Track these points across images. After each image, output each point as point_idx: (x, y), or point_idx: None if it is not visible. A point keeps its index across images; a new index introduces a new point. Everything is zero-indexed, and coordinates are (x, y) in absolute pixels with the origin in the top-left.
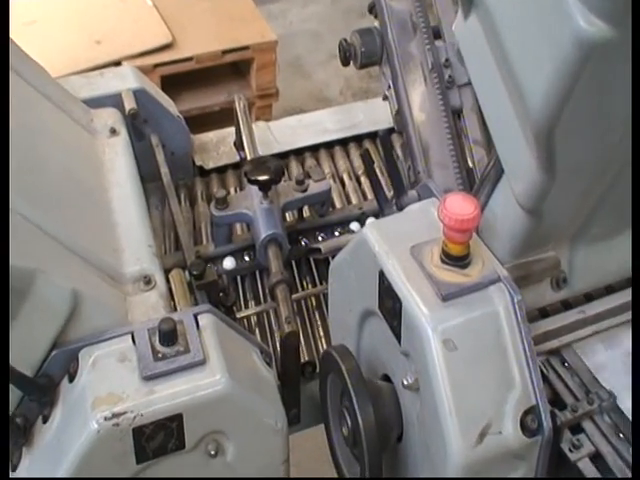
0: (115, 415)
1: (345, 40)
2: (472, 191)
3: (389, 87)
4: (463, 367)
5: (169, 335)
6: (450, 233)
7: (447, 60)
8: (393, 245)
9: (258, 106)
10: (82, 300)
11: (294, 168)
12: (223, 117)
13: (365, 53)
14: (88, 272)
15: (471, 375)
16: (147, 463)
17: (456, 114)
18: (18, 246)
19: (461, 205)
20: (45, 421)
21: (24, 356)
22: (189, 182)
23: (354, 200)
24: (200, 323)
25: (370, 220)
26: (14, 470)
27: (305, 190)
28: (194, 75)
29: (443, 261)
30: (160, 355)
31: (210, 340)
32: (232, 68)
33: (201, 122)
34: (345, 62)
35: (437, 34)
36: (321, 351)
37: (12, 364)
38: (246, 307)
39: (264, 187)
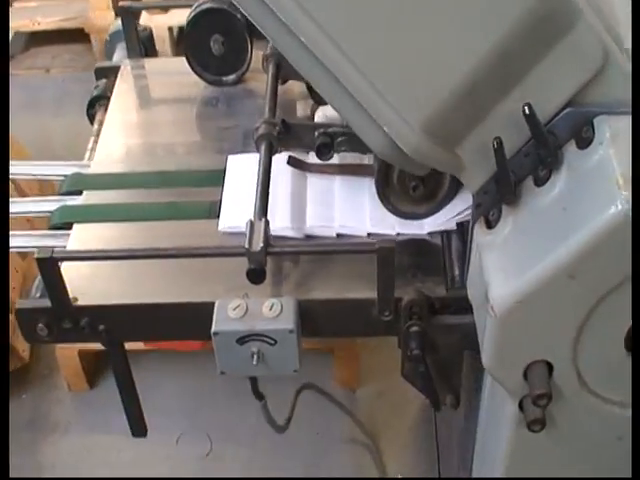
0: None
1: None
2: None
3: None
4: None
5: None
6: None
7: None
8: None
9: None
10: (610, 61)
11: None
12: None
13: None
14: (610, 37)
15: None
16: None
17: None
18: None
19: None
20: (539, 184)
21: (540, 102)
22: None
23: None
24: None
25: None
26: (490, 227)
27: None
28: None
29: None
30: None
31: None
32: None
33: None
34: None
35: None
36: None
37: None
38: None
39: None
